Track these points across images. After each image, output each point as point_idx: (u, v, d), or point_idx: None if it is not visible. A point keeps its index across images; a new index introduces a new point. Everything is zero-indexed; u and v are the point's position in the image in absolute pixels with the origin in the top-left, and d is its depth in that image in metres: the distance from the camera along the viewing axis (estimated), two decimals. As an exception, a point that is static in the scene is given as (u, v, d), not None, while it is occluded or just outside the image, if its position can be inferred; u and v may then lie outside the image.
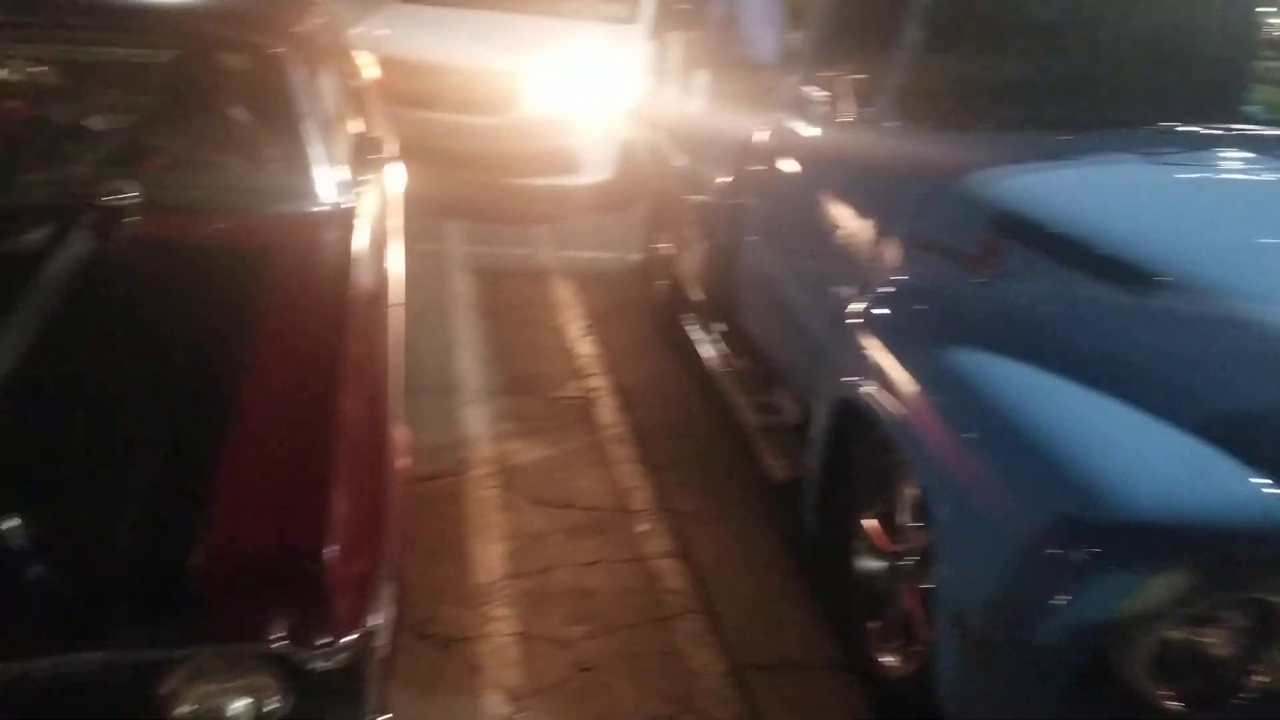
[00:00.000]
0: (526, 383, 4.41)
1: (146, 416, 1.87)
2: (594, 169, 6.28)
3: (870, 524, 2.76)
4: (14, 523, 1.57)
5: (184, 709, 1.65)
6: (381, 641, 1.71)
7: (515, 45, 6.27)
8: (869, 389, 2.64)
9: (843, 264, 3.08)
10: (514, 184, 6.19)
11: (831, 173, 3.34)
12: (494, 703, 2.65)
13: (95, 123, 2.89)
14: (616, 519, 3.49)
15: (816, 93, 3.42)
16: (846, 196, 3.18)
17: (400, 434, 2.20)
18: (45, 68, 2.90)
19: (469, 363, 4.53)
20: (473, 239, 5.97)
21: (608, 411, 4.21)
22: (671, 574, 3.21)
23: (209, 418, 1.89)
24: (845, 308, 2.90)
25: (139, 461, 1.77)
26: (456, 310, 5.05)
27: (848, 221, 3.13)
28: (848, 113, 3.21)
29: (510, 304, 5.21)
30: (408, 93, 5.63)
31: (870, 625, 2.74)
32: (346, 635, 1.63)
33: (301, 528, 1.70)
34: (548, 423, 4.11)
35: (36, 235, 2.39)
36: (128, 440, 1.81)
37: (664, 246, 5.06)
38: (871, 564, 2.77)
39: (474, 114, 6.07)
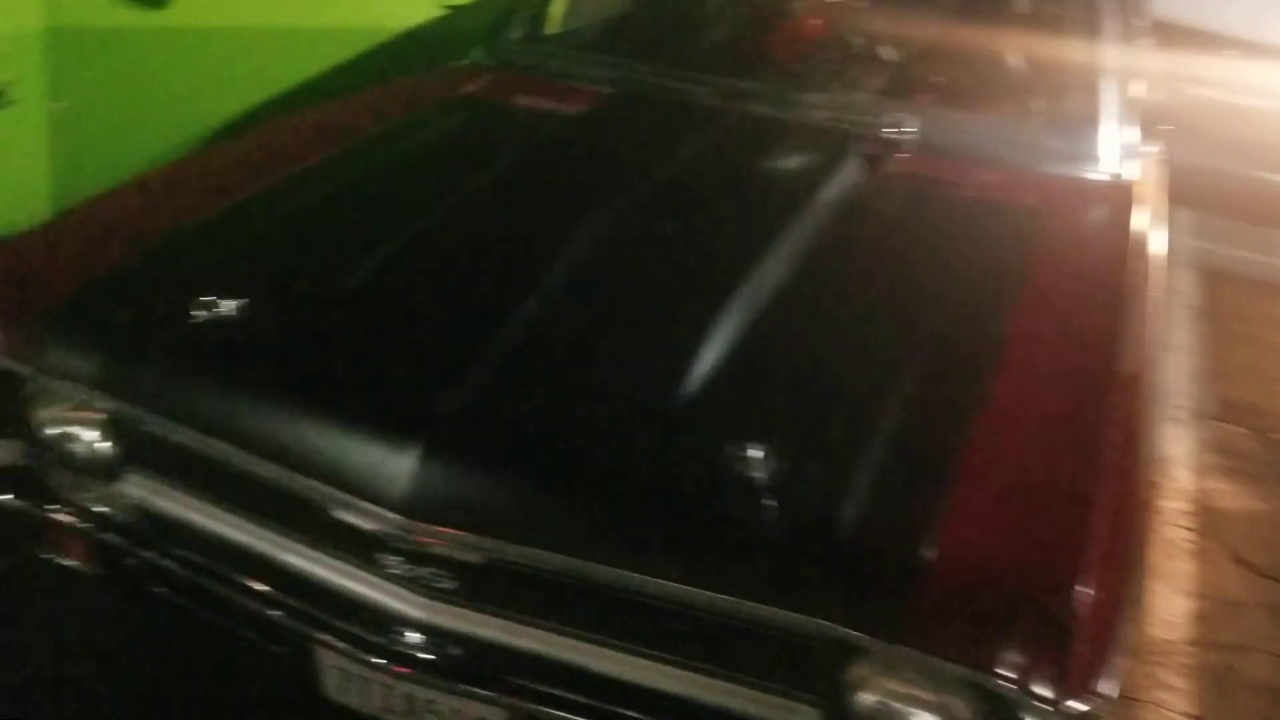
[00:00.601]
0: (1243, 414, 3.75)
1: (897, 370, 1.73)
2: (1392, 176, 5.14)
3: None
4: (759, 453, 1.50)
5: (865, 698, 1.50)
6: (1108, 715, 1.41)
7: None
8: None
9: None
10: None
11: None
12: (1155, 790, 2.26)
13: (883, 51, 2.82)
14: (1345, 618, 2.82)
15: None
16: None
17: (1154, 451, 1.86)
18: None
19: (1177, 373, 3.96)
20: (1205, 234, 5.21)
21: (1348, 478, 3.43)
22: None
23: (961, 390, 1.70)
24: None
25: (884, 419, 1.62)
26: (1172, 310, 4.45)
27: None
28: None
29: (1237, 316, 4.49)
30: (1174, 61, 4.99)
31: None
32: (1076, 701, 1.35)
33: (1054, 551, 1.45)
34: (1264, 469, 3.45)
35: (811, 158, 2.37)
36: (876, 392, 1.68)
37: None
38: None
39: (1253, 95, 5.23)
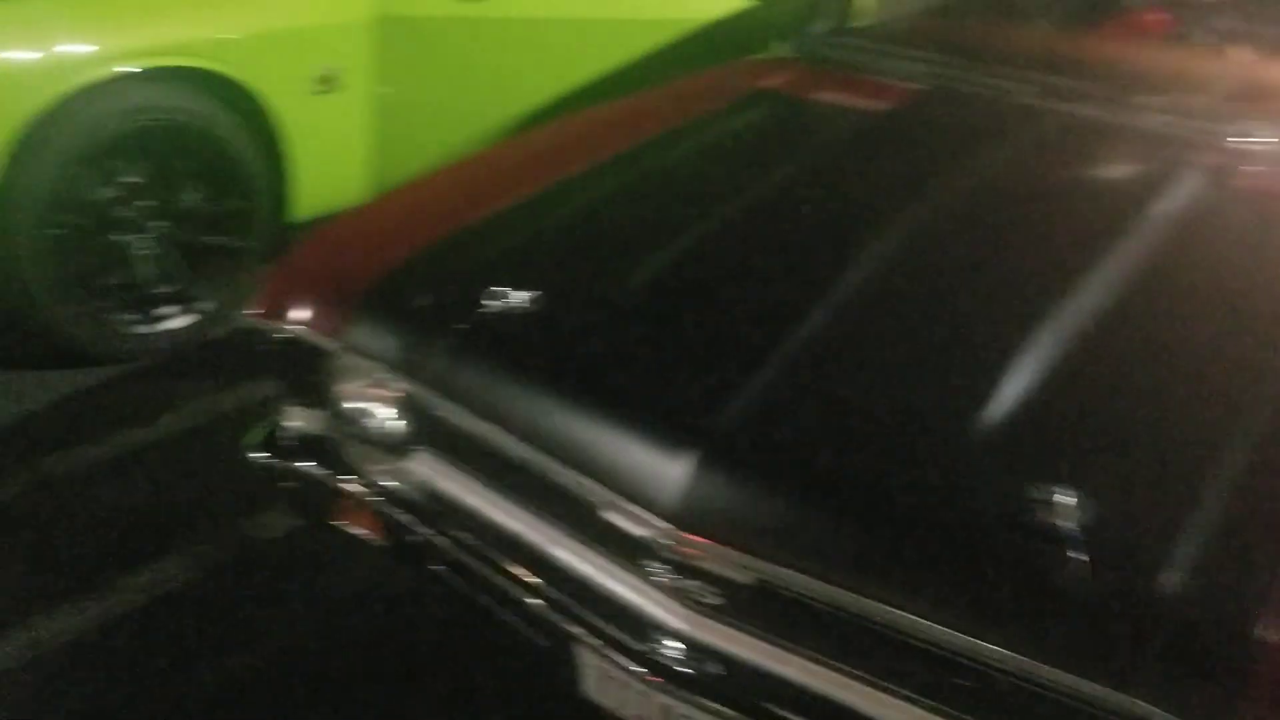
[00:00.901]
0: None
1: (1234, 421, 1.52)
2: None
3: None
4: (1069, 499, 1.35)
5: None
6: None
7: None
8: None
9: None
10: None
11: None
12: None
13: (1233, 51, 2.51)
14: None
15: None
16: None
17: None
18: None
19: None
20: None
21: None
22: None
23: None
24: None
25: (1217, 477, 1.42)
26: None
27: None
28: None
29: None
30: None
31: None
32: None
33: None
34: None
35: (1143, 167, 2.14)
36: (1208, 444, 1.48)
37: None
38: None
39: None
